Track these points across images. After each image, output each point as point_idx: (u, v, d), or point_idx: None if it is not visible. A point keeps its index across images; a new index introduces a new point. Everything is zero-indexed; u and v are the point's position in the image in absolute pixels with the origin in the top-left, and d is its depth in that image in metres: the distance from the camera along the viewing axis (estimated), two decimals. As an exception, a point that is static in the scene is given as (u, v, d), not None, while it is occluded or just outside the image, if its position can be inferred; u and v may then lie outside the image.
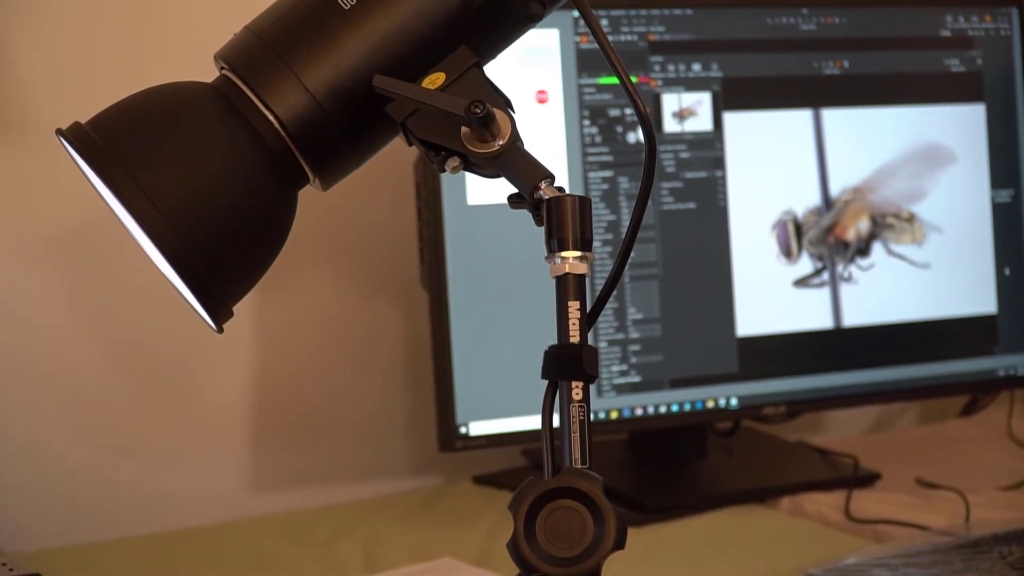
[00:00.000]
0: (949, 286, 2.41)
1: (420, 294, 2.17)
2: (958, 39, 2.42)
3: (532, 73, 2.17)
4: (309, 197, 1.48)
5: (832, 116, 2.34)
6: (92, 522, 2.14)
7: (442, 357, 2.13)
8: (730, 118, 2.29)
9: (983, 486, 2.27)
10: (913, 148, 2.39)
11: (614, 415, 2.23)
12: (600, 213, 2.16)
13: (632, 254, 1.54)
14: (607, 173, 2.20)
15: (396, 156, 1.50)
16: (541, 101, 2.18)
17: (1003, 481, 2.31)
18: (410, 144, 1.43)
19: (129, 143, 1.45)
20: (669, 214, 2.24)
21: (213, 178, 1.44)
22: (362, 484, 2.32)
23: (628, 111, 2.21)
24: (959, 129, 2.42)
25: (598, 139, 2.20)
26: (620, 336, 2.21)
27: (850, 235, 2.34)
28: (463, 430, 2.14)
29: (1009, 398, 2.59)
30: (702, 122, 2.27)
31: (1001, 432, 2.54)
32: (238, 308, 1.44)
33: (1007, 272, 2.43)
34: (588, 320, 1.33)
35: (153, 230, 1.41)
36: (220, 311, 1.43)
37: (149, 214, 1.41)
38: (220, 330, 1.45)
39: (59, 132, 1.45)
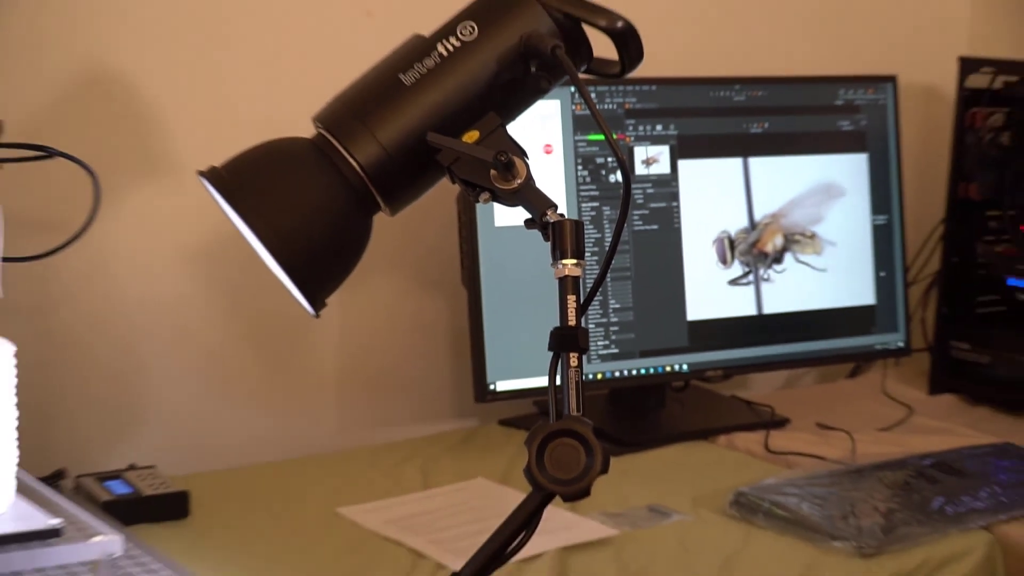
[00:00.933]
0: (840, 285, 2.43)
1: (461, 290, 2.19)
2: (848, 106, 2.44)
3: (541, 131, 2.19)
4: (381, 221, 1.49)
5: (756, 162, 2.36)
6: (225, 453, 2.16)
7: (477, 334, 2.16)
8: (683, 164, 2.31)
9: (865, 428, 2.29)
10: (814, 185, 2.40)
11: (599, 376, 2.26)
12: (589, 232, 2.20)
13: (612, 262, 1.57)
14: (594, 204, 2.23)
15: (444, 191, 1.51)
16: (547, 152, 2.20)
17: (880, 424, 2.35)
18: (453, 182, 1.45)
19: (253, 182, 1.47)
20: (639, 233, 2.27)
21: (313, 208, 1.46)
22: (419, 425, 2.33)
23: (610, 159, 2.23)
24: (848, 172, 2.43)
25: (588, 179, 2.23)
26: (604, 320, 2.25)
27: (768, 248, 2.36)
28: (492, 387, 2.17)
29: (883, 365, 2.60)
30: (663, 167, 2.29)
31: (877, 390, 2.55)
32: (330, 300, 1.46)
33: (882, 275, 2.45)
34: (581, 309, 1.36)
35: (271, 246, 1.44)
36: (317, 302, 1.46)
37: (268, 234, 1.44)
38: (317, 316, 1.47)
39: (200, 173, 1.47)
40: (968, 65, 2.46)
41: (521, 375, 2.19)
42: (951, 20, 2.84)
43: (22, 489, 1.56)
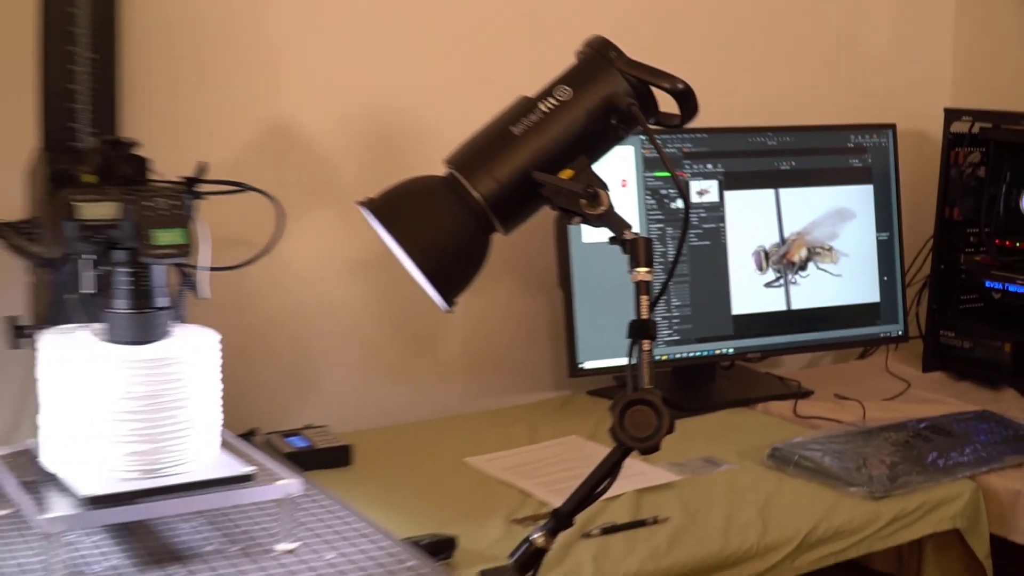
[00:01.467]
0: (852, 286, 2.38)
1: (557, 291, 2.18)
2: (857, 148, 2.40)
3: (619, 169, 2.17)
4: (498, 238, 1.49)
5: (785, 192, 2.33)
6: (378, 415, 2.16)
7: (569, 324, 2.15)
8: (728, 194, 2.28)
9: (873, 399, 2.25)
10: (831, 210, 2.37)
11: (664, 357, 2.24)
12: (656, 247, 2.17)
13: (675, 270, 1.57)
14: (659, 225, 2.20)
15: (544, 215, 1.49)
16: (623, 185, 2.18)
17: (884, 396, 2.30)
18: (553, 209, 1.44)
19: (400, 209, 1.48)
20: (694, 248, 2.24)
21: (445, 230, 1.46)
22: (525, 395, 2.32)
23: (672, 191, 2.20)
24: (857, 199, 2.39)
25: (655, 207, 2.20)
26: (668, 314, 2.23)
27: (795, 258, 2.32)
28: (582, 365, 2.16)
29: (885, 349, 2.56)
30: (712, 197, 2.26)
31: (882, 368, 2.51)
32: (458, 299, 1.46)
33: (885, 279, 2.41)
34: (651, 306, 1.34)
35: (415, 258, 1.44)
36: (449, 301, 1.46)
37: (412, 249, 1.44)
38: (450, 311, 1.47)
39: (359, 202, 1.48)
40: (951, 115, 2.43)
41: (604, 356, 2.16)
42: (937, 78, 2.79)
43: (224, 444, 1.58)
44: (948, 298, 2.47)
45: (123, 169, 1.48)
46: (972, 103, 2.50)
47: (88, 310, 1.54)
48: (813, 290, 2.35)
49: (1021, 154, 2.35)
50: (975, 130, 2.38)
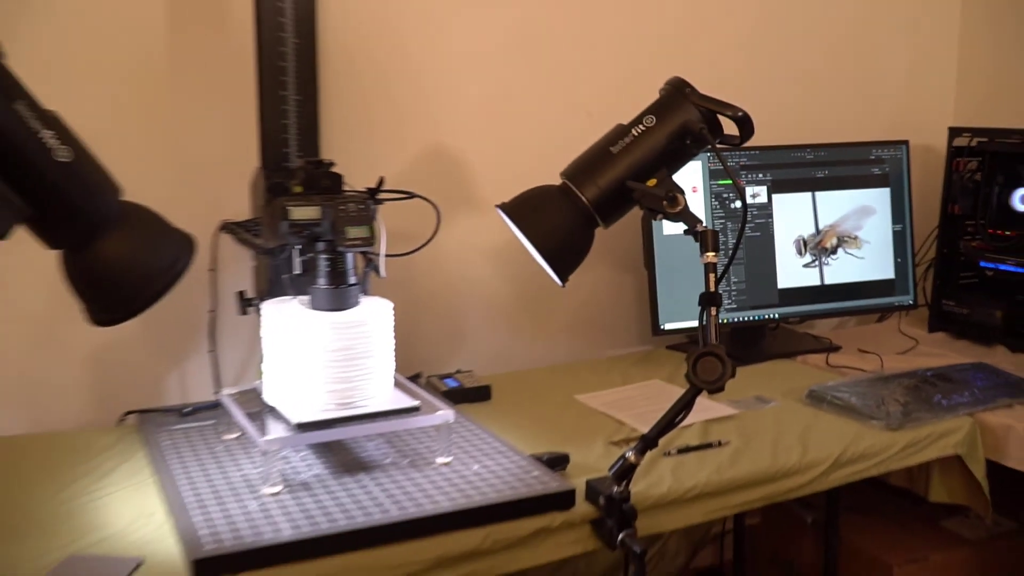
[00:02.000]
0: (872, 266, 2.32)
1: (643, 271, 2.16)
2: (877, 160, 2.33)
3: (691, 178, 2.14)
4: (599, 231, 1.48)
5: (820, 195, 2.27)
6: (509, 363, 2.18)
7: (652, 295, 2.13)
8: (775, 197, 2.23)
9: (889, 353, 2.20)
10: (856, 208, 2.30)
11: (726, 320, 2.21)
12: (719, 238, 2.13)
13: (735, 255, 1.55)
14: (722, 221, 2.17)
15: (633, 213, 1.49)
16: (694, 191, 2.16)
17: (898, 351, 2.24)
18: (641, 209, 1.44)
19: (527, 210, 1.48)
20: (749, 238, 2.20)
21: (561, 225, 1.47)
22: (618, 349, 2.31)
23: (731, 194, 2.17)
24: (877, 199, 2.33)
25: (718, 207, 2.17)
26: (728, 288, 2.20)
27: (828, 245, 2.27)
28: (662, 326, 2.14)
29: (899, 315, 2.50)
30: (763, 199, 2.22)
31: (895, 329, 2.44)
32: (570, 277, 1.46)
33: (899, 260, 2.34)
34: (716, 281, 1.33)
35: (538, 246, 1.45)
36: (563, 278, 1.46)
37: (536, 239, 1.45)
38: (563, 286, 1.48)
39: (497, 205, 1.48)
40: (954, 132, 2.35)
41: (680, 320, 2.14)
42: (942, 104, 2.70)
43: (397, 384, 1.61)
44: (950, 275, 2.40)
45: (323, 182, 1.52)
46: (971, 122, 2.43)
47: (297, 286, 1.58)
48: (841, 269, 2.29)
49: (1011, 162, 2.28)
50: (973, 143, 2.32)
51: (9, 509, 1.41)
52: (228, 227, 1.75)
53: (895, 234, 2.34)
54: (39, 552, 1.28)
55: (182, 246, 1.37)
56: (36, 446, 1.65)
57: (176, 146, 1.85)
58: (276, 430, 1.45)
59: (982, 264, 2.32)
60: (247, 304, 1.67)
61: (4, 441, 1.65)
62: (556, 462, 1.53)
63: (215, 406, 1.74)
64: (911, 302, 2.37)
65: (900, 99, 2.63)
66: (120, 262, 1.30)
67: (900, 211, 2.35)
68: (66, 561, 1.25)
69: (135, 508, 1.42)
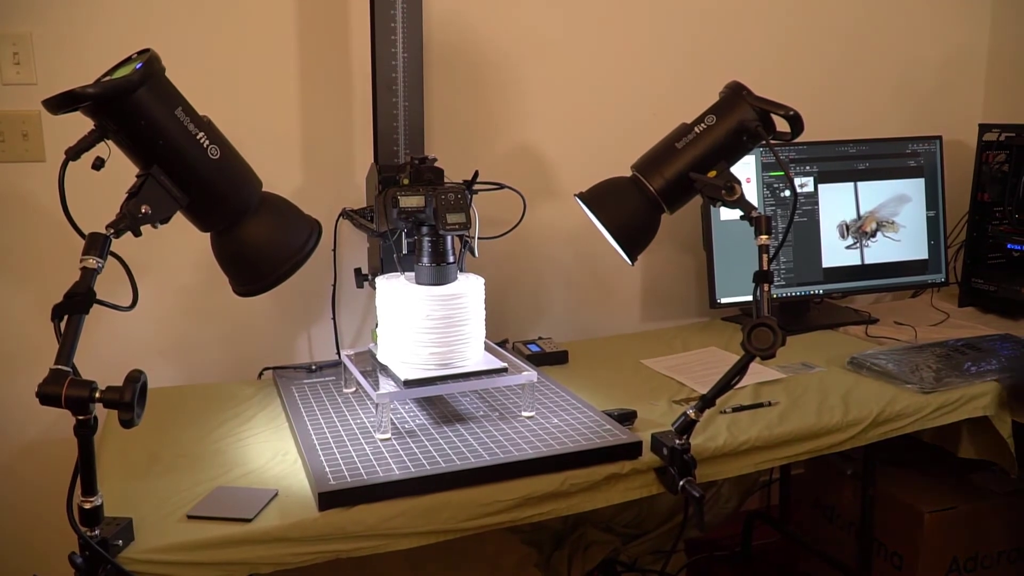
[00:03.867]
0: (908, 248, 2.23)
1: (702, 252, 2.11)
2: (913, 153, 2.23)
3: (746, 170, 2.08)
4: (665, 217, 1.45)
5: (862, 185, 2.18)
6: (585, 331, 2.17)
7: (710, 273, 2.08)
8: (821, 187, 2.15)
9: (922, 325, 2.12)
10: (894, 195, 2.22)
11: (776, 296, 2.14)
12: (772, 223, 2.07)
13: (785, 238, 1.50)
14: (772, 208, 2.11)
15: (694, 201, 1.46)
16: (747, 181, 2.09)
17: (931, 323, 2.15)
18: (702, 197, 1.40)
19: (602, 198, 1.46)
20: (797, 223, 2.14)
21: (632, 212, 1.45)
22: (680, 320, 2.28)
23: (781, 184, 2.10)
24: (913, 189, 2.23)
25: (769, 196, 2.11)
26: (778, 267, 2.13)
27: (868, 229, 2.19)
28: (719, 300, 2.09)
29: (931, 292, 2.40)
30: (810, 188, 2.15)
31: (928, 304, 2.34)
32: (639, 257, 1.43)
33: (932, 242, 2.24)
34: (769, 260, 1.29)
35: (611, 230, 1.43)
36: (633, 258, 1.44)
37: (609, 224, 1.42)
38: (632, 264, 1.45)
39: (576, 195, 1.47)
40: (983, 128, 2.24)
41: (735, 295, 2.08)
42: (973, 102, 2.57)
43: (488, 348, 1.61)
44: (979, 256, 2.29)
45: (427, 175, 1.52)
46: (999, 119, 2.32)
47: (404, 264, 1.59)
48: (880, 250, 2.21)
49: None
50: (1001, 138, 2.21)
51: (168, 447, 1.46)
52: (347, 214, 1.77)
53: (929, 219, 2.25)
54: (193, 483, 1.32)
55: (311, 230, 1.39)
56: (190, 395, 1.70)
57: (305, 146, 1.87)
58: (387, 386, 1.47)
59: (1009, 246, 2.21)
60: (363, 279, 1.69)
61: (164, 391, 1.70)
62: (625, 417, 1.51)
63: (336, 364, 1.76)
64: (943, 280, 2.27)
65: (935, 99, 2.52)
66: (259, 243, 1.33)
67: (934, 199, 2.25)
68: (215, 491, 1.29)
69: (272, 448, 1.45)
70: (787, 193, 2.11)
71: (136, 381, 1.01)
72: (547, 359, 1.88)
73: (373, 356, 1.60)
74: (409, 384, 1.45)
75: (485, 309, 1.56)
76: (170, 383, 1.81)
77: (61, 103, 1.12)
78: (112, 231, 1.13)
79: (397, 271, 1.59)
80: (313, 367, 1.78)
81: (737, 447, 1.48)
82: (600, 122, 2.11)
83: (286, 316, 1.91)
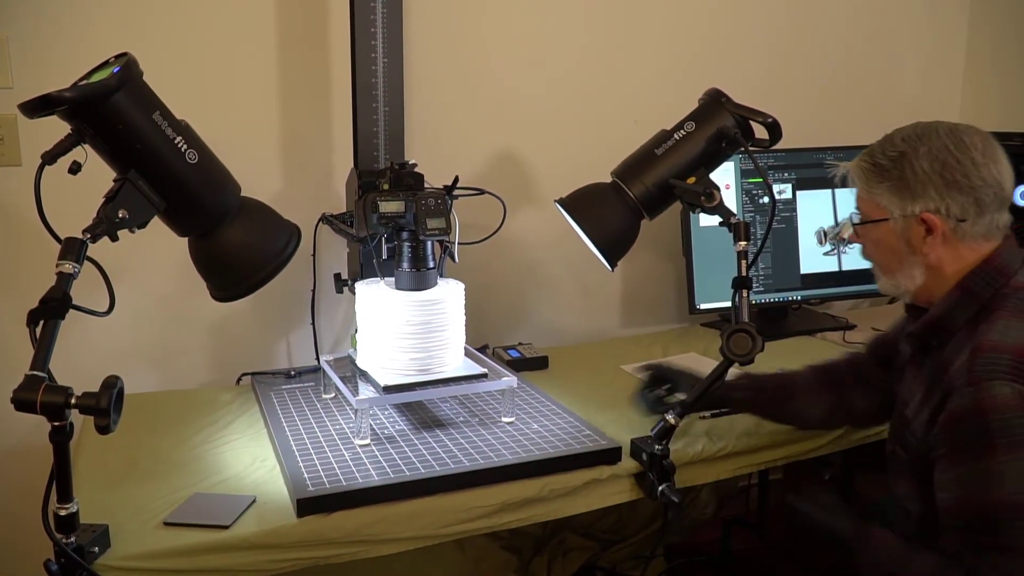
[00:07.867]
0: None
1: (682, 258, 2.13)
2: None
3: (725, 177, 2.10)
4: (644, 224, 1.46)
5: (839, 192, 2.21)
6: (564, 336, 2.16)
7: (689, 278, 2.09)
8: (799, 193, 2.17)
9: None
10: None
11: (755, 301, 2.15)
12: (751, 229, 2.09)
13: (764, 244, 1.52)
14: (751, 214, 2.12)
15: (675, 207, 1.46)
16: (727, 188, 2.11)
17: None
18: (682, 203, 1.41)
19: (582, 204, 1.46)
20: (775, 229, 2.15)
21: (612, 219, 1.45)
22: (659, 325, 2.29)
23: (760, 191, 2.12)
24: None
25: (748, 202, 2.12)
26: (756, 273, 2.15)
27: (845, 236, 2.19)
28: (698, 306, 2.10)
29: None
30: (788, 195, 2.17)
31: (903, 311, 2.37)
32: (619, 262, 1.44)
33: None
34: (747, 267, 1.30)
35: (591, 236, 1.43)
36: (613, 264, 1.44)
37: (589, 230, 1.43)
38: (612, 270, 1.46)
39: (556, 200, 1.47)
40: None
41: (714, 300, 2.09)
42: (949, 109, 2.61)
43: (467, 354, 1.60)
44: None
45: (407, 180, 1.52)
46: (975, 125, 2.34)
47: (384, 269, 1.59)
48: (857, 257, 2.17)
49: (1013, 161, 2.16)
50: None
51: (145, 454, 1.45)
52: (327, 219, 1.76)
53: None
54: (170, 489, 1.31)
55: (290, 235, 1.39)
56: (167, 401, 1.69)
57: (285, 150, 1.87)
58: (366, 391, 1.46)
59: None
60: (342, 284, 1.69)
61: (141, 397, 1.69)
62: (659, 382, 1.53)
63: (316, 370, 1.76)
64: (919, 287, 2.30)
65: (912, 106, 2.55)
66: (238, 247, 1.32)
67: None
68: (192, 498, 1.28)
69: (250, 455, 1.44)
70: (766, 200, 2.13)
71: (112, 387, 1.01)
72: (527, 364, 1.88)
73: (353, 362, 1.59)
74: (389, 390, 1.44)
75: (465, 314, 1.56)
76: (147, 389, 1.80)
77: (37, 107, 1.11)
78: (89, 236, 1.13)
79: (377, 276, 1.59)
80: (292, 373, 1.77)
81: (716, 452, 1.49)
82: (581, 128, 2.12)
83: (265, 322, 1.90)
